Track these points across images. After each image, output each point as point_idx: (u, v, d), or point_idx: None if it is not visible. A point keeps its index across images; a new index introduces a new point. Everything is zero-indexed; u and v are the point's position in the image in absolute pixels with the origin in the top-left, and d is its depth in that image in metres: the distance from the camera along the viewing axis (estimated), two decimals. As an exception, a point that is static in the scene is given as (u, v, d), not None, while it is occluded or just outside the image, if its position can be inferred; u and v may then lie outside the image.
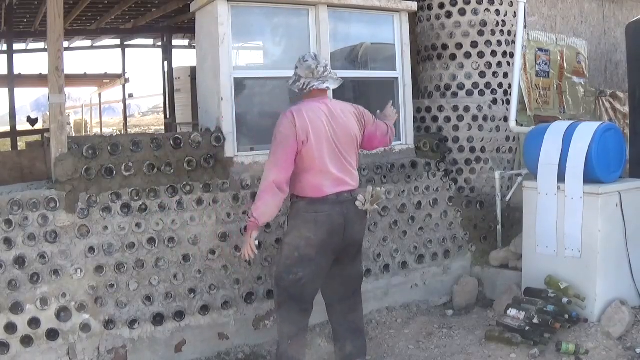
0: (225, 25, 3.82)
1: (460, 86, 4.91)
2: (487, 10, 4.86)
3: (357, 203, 3.23)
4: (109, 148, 3.51)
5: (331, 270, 3.28)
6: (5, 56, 9.20)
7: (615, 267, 3.85)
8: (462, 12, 4.84)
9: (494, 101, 4.94)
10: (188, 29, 10.46)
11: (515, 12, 4.93)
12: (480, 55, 4.87)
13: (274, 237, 3.90)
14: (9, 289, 3.17)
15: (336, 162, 3.20)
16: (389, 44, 4.59)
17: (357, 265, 3.43)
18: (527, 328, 3.56)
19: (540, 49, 5.45)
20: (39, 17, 8.93)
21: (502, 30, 4.93)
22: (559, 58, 5.63)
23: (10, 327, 3.14)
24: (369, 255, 4.28)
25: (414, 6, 4.59)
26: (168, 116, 10.59)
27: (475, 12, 4.84)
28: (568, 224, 3.84)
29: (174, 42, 11.64)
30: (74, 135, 12.19)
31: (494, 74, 4.92)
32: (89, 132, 18.95)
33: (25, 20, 9.39)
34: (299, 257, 3.15)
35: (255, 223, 3.14)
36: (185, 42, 12.55)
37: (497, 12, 4.89)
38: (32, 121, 11.16)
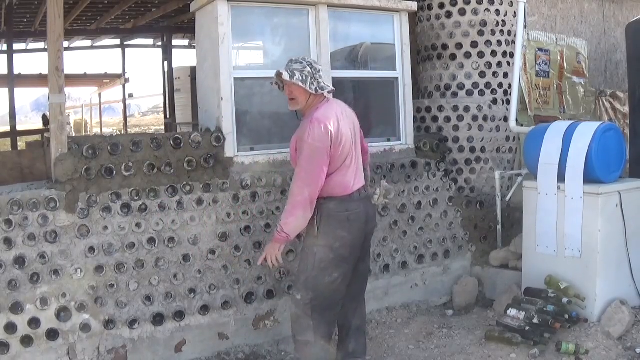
0: (225, 25, 3.82)
1: (460, 86, 4.91)
2: (487, 10, 4.86)
3: (374, 197, 3.31)
4: (109, 148, 3.51)
5: None
6: (5, 56, 9.20)
7: (615, 267, 3.85)
8: (462, 12, 4.84)
9: (494, 101, 4.94)
10: (188, 29, 10.46)
11: (515, 12, 4.93)
12: (480, 55, 4.87)
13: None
14: (9, 289, 3.17)
15: (355, 160, 3.26)
16: (389, 44, 4.59)
17: (367, 260, 3.49)
18: (527, 328, 3.56)
19: (540, 49, 5.45)
20: (39, 17, 8.94)
21: (502, 30, 4.93)
22: (559, 58, 5.63)
23: (10, 327, 3.14)
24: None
25: (414, 6, 4.59)
26: (168, 116, 10.59)
27: (475, 12, 4.84)
28: (568, 224, 3.84)
29: (174, 42, 11.64)
30: (74, 135, 12.18)
31: (494, 74, 4.92)
32: (89, 132, 18.97)
33: (25, 20, 9.40)
34: (333, 258, 3.15)
35: (286, 238, 3.13)
36: (185, 42, 12.55)
37: (497, 12, 4.89)
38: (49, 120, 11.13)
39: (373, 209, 3.40)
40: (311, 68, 3.18)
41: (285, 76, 3.15)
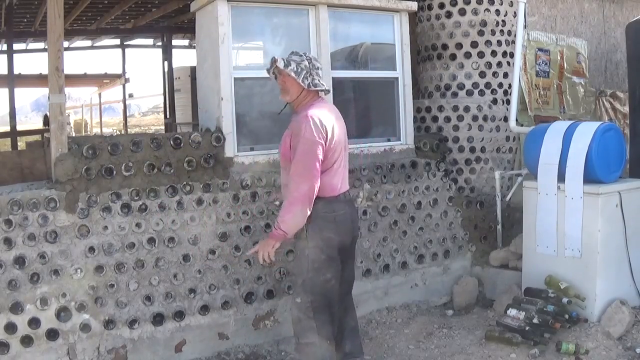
0: (225, 25, 3.82)
1: (460, 86, 4.91)
2: (487, 10, 4.86)
3: (358, 200, 3.28)
4: (109, 148, 3.52)
5: None
6: (5, 56, 9.20)
7: (615, 267, 3.85)
8: (462, 12, 4.84)
9: (494, 101, 4.94)
10: (188, 29, 10.46)
11: (515, 12, 4.93)
12: (480, 55, 4.87)
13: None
14: (9, 289, 3.17)
15: (344, 164, 3.24)
16: (389, 44, 4.59)
17: (352, 263, 3.45)
18: (527, 328, 3.56)
19: (540, 49, 5.45)
20: (39, 17, 8.94)
21: (502, 30, 4.93)
22: (559, 58, 5.63)
23: (10, 327, 3.14)
24: (369, 255, 4.28)
25: (414, 6, 4.59)
26: (168, 116, 10.59)
27: (475, 12, 4.84)
28: (568, 224, 3.84)
29: (174, 42, 11.64)
30: (74, 135, 12.19)
31: (494, 74, 4.92)
32: (89, 132, 18.96)
33: (25, 20, 9.39)
34: (325, 258, 3.12)
35: (283, 236, 3.07)
36: (185, 42, 12.55)
37: (497, 12, 4.89)
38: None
39: (356, 212, 3.39)
40: (309, 63, 3.15)
41: (280, 64, 3.11)
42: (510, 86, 4.90)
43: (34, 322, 3.21)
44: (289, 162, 3.10)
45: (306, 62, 3.14)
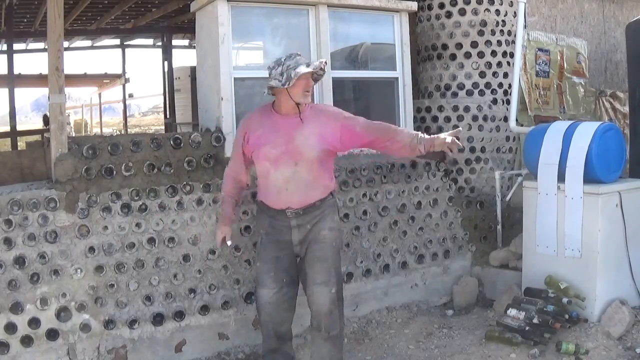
0: (225, 25, 3.83)
1: (460, 86, 4.91)
2: (487, 10, 4.86)
3: None
4: (109, 148, 3.52)
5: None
6: (5, 56, 9.20)
7: (615, 267, 3.84)
8: (462, 12, 4.84)
9: (494, 101, 4.94)
10: (188, 29, 10.46)
11: (515, 12, 4.94)
12: (480, 55, 4.87)
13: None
14: (9, 289, 3.17)
15: None
16: (389, 44, 4.60)
17: None
18: (527, 328, 3.56)
19: (540, 49, 5.45)
20: (39, 17, 8.93)
21: (502, 30, 4.93)
22: (559, 58, 5.63)
23: (10, 327, 3.14)
24: (369, 255, 4.28)
25: (414, 6, 4.59)
26: (168, 116, 10.59)
27: (475, 12, 4.84)
28: (568, 223, 3.84)
29: (174, 42, 11.63)
30: (74, 135, 12.17)
31: (494, 74, 4.92)
32: (89, 132, 18.96)
33: (25, 20, 9.39)
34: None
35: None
36: (185, 42, 12.54)
37: (497, 12, 4.89)
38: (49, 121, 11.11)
39: None
40: None
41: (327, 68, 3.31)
42: (510, 86, 4.90)
43: (34, 322, 3.21)
44: (330, 156, 3.22)
45: None
